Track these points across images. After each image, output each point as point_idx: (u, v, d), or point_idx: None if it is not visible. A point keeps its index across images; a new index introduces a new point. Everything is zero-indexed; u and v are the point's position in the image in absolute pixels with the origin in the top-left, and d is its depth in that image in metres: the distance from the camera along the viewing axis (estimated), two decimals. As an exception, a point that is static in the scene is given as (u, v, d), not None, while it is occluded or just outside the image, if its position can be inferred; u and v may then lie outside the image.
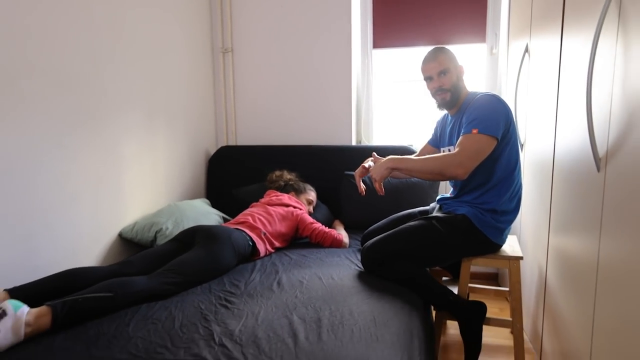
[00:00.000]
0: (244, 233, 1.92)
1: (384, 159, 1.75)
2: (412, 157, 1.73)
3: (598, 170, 1.30)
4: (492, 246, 1.77)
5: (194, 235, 1.84)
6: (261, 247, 1.96)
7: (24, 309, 1.18)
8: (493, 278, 2.80)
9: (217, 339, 1.20)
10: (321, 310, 1.38)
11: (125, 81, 2.08)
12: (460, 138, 1.66)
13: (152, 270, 1.65)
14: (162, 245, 1.83)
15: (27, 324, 1.17)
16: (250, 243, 1.92)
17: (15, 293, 1.34)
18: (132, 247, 2.13)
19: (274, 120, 2.92)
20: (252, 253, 1.93)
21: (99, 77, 1.92)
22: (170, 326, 1.28)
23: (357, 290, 1.56)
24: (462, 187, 1.83)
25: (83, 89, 1.83)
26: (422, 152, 2.10)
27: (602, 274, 1.28)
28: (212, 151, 2.93)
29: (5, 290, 1.34)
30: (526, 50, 2.12)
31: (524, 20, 2.16)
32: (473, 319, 1.69)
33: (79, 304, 1.27)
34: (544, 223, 1.81)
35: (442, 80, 1.80)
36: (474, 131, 1.62)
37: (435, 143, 2.07)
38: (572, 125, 1.53)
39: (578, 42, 1.48)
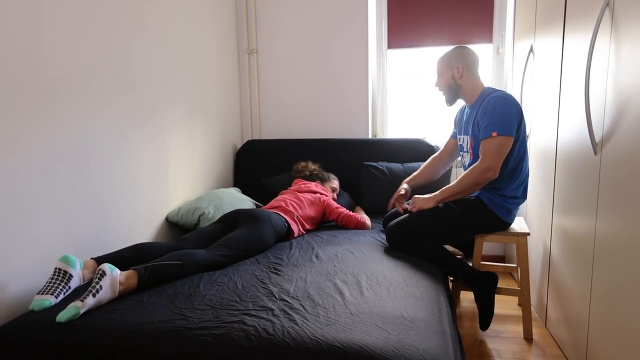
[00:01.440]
0: (280, 216, 2.15)
1: (426, 195, 1.99)
2: (447, 186, 1.96)
3: (595, 153, 1.53)
4: (502, 224, 2.00)
5: (237, 218, 2.07)
6: (295, 228, 2.19)
7: (117, 271, 1.41)
8: (500, 260, 3.03)
9: (277, 295, 1.43)
10: (359, 275, 1.61)
11: (171, 79, 2.31)
12: (482, 144, 1.87)
13: (204, 246, 1.88)
14: (209, 226, 2.06)
15: (120, 283, 1.40)
16: (286, 224, 2.14)
17: (101, 260, 1.57)
18: (177, 230, 2.36)
19: (295, 115, 3.13)
20: (287, 233, 2.16)
21: (151, 77, 2.15)
22: (234, 287, 1.51)
23: (387, 261, 1.79)
24: None
25: (139, 87, 2.06)
26: (446, 146, 2.29)
27: (599, 247, 1.51)
28: (239, 145, 3.15)
29: (92, 258, 1.57)
30: (531, 50, 2.34)
31: (529, 23, 2.39)
32: (486, 286, 1.92)
33: (157, 269, 1.51)
34: (548, 205, 2.05)
35: (437, 82, 2.08)
36: (494, 134, 1.84)
37: (456, 136, 2.24)
38: (572, 117, 1.76)
39: (577, 43, 1.71)
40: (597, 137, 1.51)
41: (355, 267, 1.71)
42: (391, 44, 3.11)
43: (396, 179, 2.68)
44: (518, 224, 2.12)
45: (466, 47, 2.06)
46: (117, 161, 1.92)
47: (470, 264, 2.03)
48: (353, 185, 2.80)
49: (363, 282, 1.55)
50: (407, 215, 2.02)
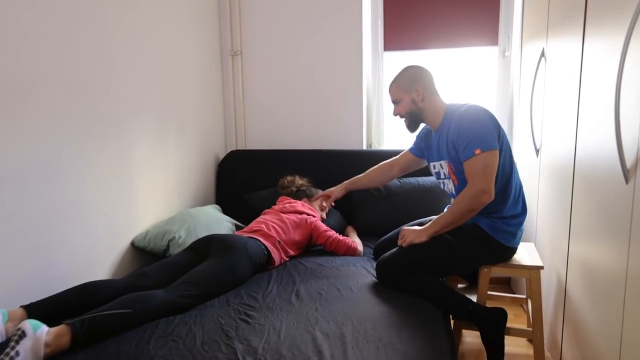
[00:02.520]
0: (258, 242, 1.90)
1: (417, 228, 1.78)
2: (439, 216, 1.75)
3: (626, 182, 1.27)
4: (507, 251, 1.76)
5: (209, 245, 1.81)
6: (276, 256, 1.94)
7: (43, 328, 1.15)
8: (505, 282, 2.78)
9: (240, 358, 1.18)
10: (344, 325, 1.36)
11: (137, 86, 2.05)
12: (466, 165, 1.67)
13: (168, 281, 1.63)
14: (176, 256, 1.80)
15: (47, 344, 1.14)
16: (266, 252, 1.89)
17: (32, 310, 1.31)
18: (145, 256, 2.10)
19: (283, 124, 2.90)
20: (267, 262, 1.91)
21: (111, 83, 1.89)
22: (192, 344, 1.26)
23: (377, 302, 1.54)
24: None
25: (95, 95, 1.80)
26: (401, 160, 2.13)
27: (632, 284, 1.26)
28: (222, 156, 2.91)
29: (22, 307, 1.32)
30: (542, 54, 2.09)
31: (540, 24, 2.13)
32: (494, 326, 1.67)
33: (97, 321, 1.25)
34: (563, 229, 1.79)
35: (396, 109, 1.87)
36: (477, 152, 1.64)
37: (420, 153, 2.05)
38: (595, 133, 1.50)
39: (602, 48, 1.45)
40: (629, 161, 1.25)
41: (341, 311, 1.46)
42: (387, 46, 2.87)
43: (393, 195, 2.43)
44: (528, 252, 1.86)
45: (418, 66, 1.87)
46: (66, 182, 1.66)
47: (474, 298, 1.78)
48: (344, 202, 2.54)
49: (348, 335, 1.30)
50: (396, 250, 1.77)
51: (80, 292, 1.43)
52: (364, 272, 1.86)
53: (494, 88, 2.82)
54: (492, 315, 1.68)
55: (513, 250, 1.79)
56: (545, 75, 2.04)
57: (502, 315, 1.68)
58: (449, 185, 1.86)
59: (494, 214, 1.74)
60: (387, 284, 1.70)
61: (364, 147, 2.85)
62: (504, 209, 1.74)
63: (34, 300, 1.42)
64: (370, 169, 2.23)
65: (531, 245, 1.98)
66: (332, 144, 2.83)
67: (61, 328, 1.20)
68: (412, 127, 1.90)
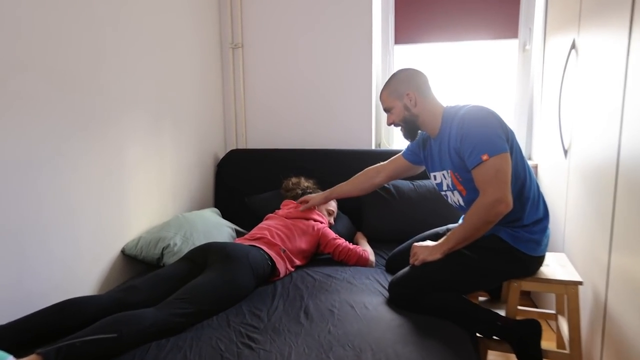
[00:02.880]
0: (262, 251, 1.72)
1: (430, 243, 1.61)
2: (452, 232, 1.56)
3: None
4: (533, 261, 1.59)
5: (207, 255, 1.63)
6: (281, 267, 1.76)
7: (10, 360, 0.97)
8: (524, 293, 2.60)
9: (244, 395, 1.00)
10: (362, 352, 1.18)
11: (129, 79, 1.87)
12: (475, 174, 1.49)
13: (161, 296, 1.44)
14: (170, 266, 1.62)
15: (14, 380, 0.96)
16: (270, 262, 1.71)
17: (2, 334, 1.13)
18: (137, 265, 1.92)
19: (287, 121, 2.72)
20: (272, 273, 1.73)
21: (101, 75, 1.71)
22: (187, 375, 1.07)
23: (397, 324, 1.36)
24: None
25: (83, 88, 1.62)
26: (394, 165, 1.92)
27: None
28: (221, 155, 2.73)
29: (-11, 331, 1.13)
30: (573, 46, 1.90)
31: (570, 13, 1.95)
32: (530, 341, 1.49)
33: (76, 349, 1.07)
34: (602, 240, 1.60)
35: (389, 118, 1.70)
36: (484, 157, 1.45)
37: (415, 159, 1.85)
38: (648, 133, 1.32)
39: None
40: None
41: (357, 334, 1.28)
42: (399, 39, 2.69)
43: (406, 199, 2.25)
44: (561, 264, 1.68)
45: (409, 69, 1.69)
46: (48, 182, 1.48)
47: (502, 313, 1.60)
48: (354, 206, 2.37)
49: (368, 364, 1.12)
50: (409, 269, 1.60)
51: (59, 311, 1.24)
52: (378, 286, 1.68)
53: (512, 84, 2.64)
54: (525, 328, 1.50)
55: (540, 260, 1.61)
56: (577, 69, 1.86)
57: (536, 327, 1.51)
58: (455, 197, 1.68)
59: (514, 222, 1.57)
60: (402, 306, 1.53)
61: (373, 147, 2.68)
62: (524, 216, 1.57)
63: (4, 319, 1.24)
64: (355, 175, 2.02)
65: (562, 256, 1.80)
66: (339, 143, 2.65)
67: (31, 359, 1.01)
68: (409, 135, 1.71)
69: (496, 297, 1.90)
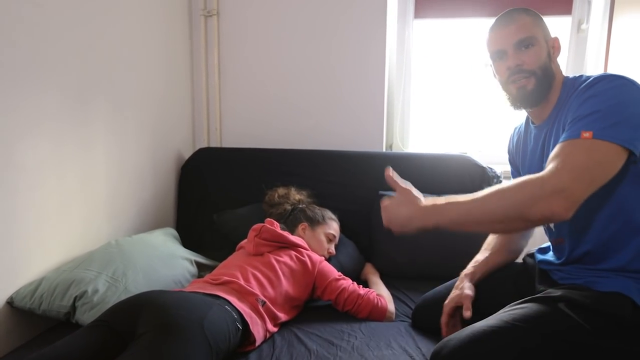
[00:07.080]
0: (228, 308, 1.13)
1: (414, 196, 1.07)
2: (458, 197, 1.03)
3: None
4: None
5: (137, 317, 1.03)
6: (257, 330, 1.17)
7: None
8: None
9: None
10: None
11: (33, 39, 1.25)
12: (558, 146, 1.01)
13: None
14: (72, 339, 1.01)
15: None
16: (240, 326, 1.12)
17: None
18: (35, 323, 1.28)
19: (274, 113, 2.22)
20: (242, 342, 1.14)
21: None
22: None
23: None
24: (587, 240, 1.09)
25: None
26: None
27: None
28: (187, 155, 2.18)
29: None
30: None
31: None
32: None
33: None
34: None
35: (522, 57, 1.15)
36: (586, 135, 0.98)
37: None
38: None
39: None
40: None
41: None
42: (420, 12, 2.20)
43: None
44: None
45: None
46: None
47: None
48: (361, 227, 1.84)
49: None
50: (472, 331, 1.00)
51: None
52: (405, 358, 1.12)
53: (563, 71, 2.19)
54: None
55: None
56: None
57: None
58: None
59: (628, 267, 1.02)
60: None
61: (384, 149, 2.20)
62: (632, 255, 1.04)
63: None
64: (487, 249, 1.40)
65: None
66: (341, 143, 2.15)
67: None
68: (535, 95, 1.16)
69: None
